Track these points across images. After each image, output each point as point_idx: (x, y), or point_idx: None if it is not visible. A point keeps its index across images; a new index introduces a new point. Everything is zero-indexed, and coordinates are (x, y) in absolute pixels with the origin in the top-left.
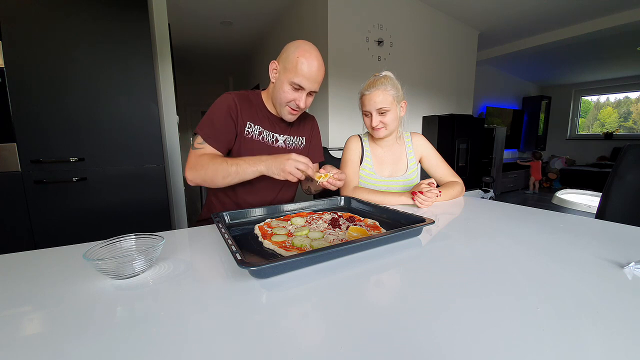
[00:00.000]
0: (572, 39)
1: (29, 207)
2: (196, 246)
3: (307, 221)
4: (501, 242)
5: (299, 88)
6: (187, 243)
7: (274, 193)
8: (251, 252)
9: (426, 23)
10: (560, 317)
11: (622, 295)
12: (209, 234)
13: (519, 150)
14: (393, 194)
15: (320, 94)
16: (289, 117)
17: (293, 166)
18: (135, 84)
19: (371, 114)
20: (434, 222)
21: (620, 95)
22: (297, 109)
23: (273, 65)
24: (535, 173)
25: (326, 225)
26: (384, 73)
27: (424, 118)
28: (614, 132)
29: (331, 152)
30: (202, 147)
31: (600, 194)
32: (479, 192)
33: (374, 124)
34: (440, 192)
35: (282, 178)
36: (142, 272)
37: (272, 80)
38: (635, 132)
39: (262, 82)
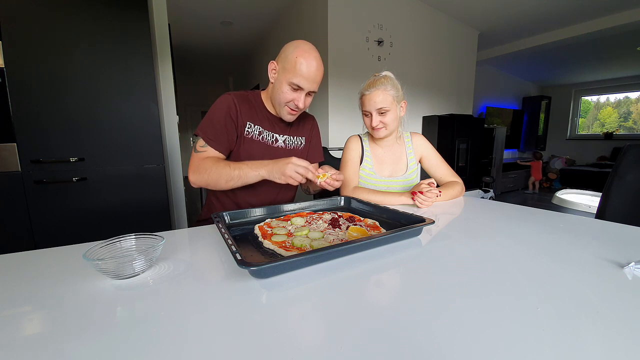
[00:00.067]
0: (572, 39)
1: (29, 207)
2: (196, 246)
3: (307, 221)
4: (501, 242)
5: (297, 88)
6: (187, 243)
7: (274, 193)
8: (251, 252)
9: (426, 23)
10: (560, 317)
11: (622, 295)
12: (209, 234)
13: (519, 150)
14: (393, 194)
15: (320, 94)
16: (288, 117)
17: (293, 170)
18: (135, 84)
19: (371, 114)
20: (434, 222)
21: (620, 95)
22: (296, 109)
23: (272, 65)
24: (535, 173)
25: (326, 225)
26: (384, 73)
27: (424, 118)
28: (614, 132)
29: (331, 152)
30: (205, 150)
31: (600, 194)
32: (479, 192)
33: (374, 124)
34: (440, 192)
35: (283, 182)
36: (142, 272)
37: (271, 80)
38: (635, 132)
39: (262, 82)
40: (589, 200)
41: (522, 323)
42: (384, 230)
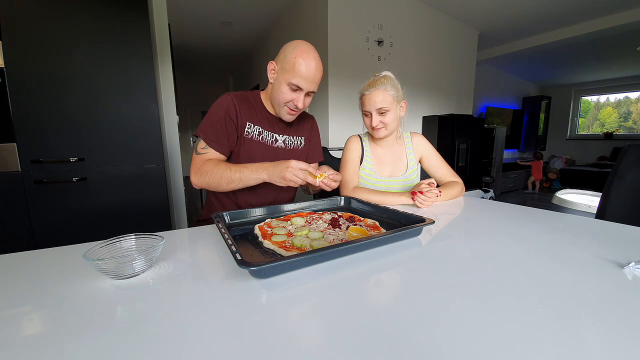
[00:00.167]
0: (572, 39)
1: (29, 207)
2: (196, 246)
3: (307, 221)
4: (501, 242)
5: (297, 88)
6: (187, 243)
7: (275, 194)
8: (251, 252)
9: (426, 23)
10: (560, 317)
11: (622, 295)
12: (209, 234)
13: (519, 150)
14: (393, 194)
15: (320, 94)
16: (288, 118)
17: (292, 174)
18: (135, 84)
19: (371, 114)
20: (434, 222)
21: (620, 95)
22: (295, 109)
23: (271, 65)
24: (536, 173)
25: (326, 225)
26: (383, 73)
27: (424, 118)
28: (614, 132)
29: (331, 152)
30: (206, 152)
31: (600, 194)
32: (479, 192)
33: (374, 124)
34: (440, 192)
35: (284, 185)
36: (142, 272)
37: (271, 80)
38: (635, 132)
39: (262, 82)
40: (589, 200)
41: (522, 323)
42: (384, 230)
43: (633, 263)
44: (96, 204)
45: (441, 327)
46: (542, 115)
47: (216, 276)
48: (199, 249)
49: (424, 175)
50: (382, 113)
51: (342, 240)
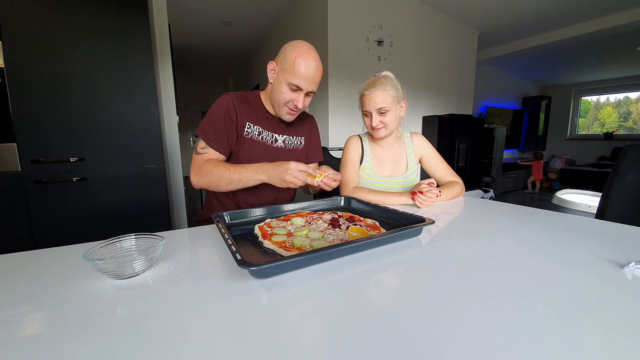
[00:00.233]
0: (572, 39)
1: (29, 207)
2: (196, 246)
3: (307, 221)
4: (501, 242)
5: (296, 89)
6: (187, 243)
7: (274, 194)
8: (251, 252)
9: (426, 23)
10: (560, 317)
11: (622, 295)
12: (209, 234)
13: (519, 150)
14: (393, 194)
15: (320, 94)
16: (288, 118)
17: (292, 176)
18: (135, 84)
19: (371, 114)
20: (434, 222)
21: (620, 95)
22: (295, 109)
23: (271, 65)
24: (536, 173)
25: (326, 225)
26: (383, 73)
27: (424, 118)
28: (614, 132)
29: (331, 152)
30: (206, 152)
31: (600, 194)
32: (479, 192)
33: (374, 124)
34: (440, 192)
35: (283, 186)
36: (142, 272)
37: (270, 80)
38: (635, 132)
39: (262, 82)
40: (589, 200)
41: (522, 323)
42: (384, 230)
43: (633, 263)
44: (96, 204)
45: (441, 327)
46: (542, 115)
47: (216, 276)
48: (199, 249)
49: (424, 175)
50: (382, 113)
51: (342, 240)
